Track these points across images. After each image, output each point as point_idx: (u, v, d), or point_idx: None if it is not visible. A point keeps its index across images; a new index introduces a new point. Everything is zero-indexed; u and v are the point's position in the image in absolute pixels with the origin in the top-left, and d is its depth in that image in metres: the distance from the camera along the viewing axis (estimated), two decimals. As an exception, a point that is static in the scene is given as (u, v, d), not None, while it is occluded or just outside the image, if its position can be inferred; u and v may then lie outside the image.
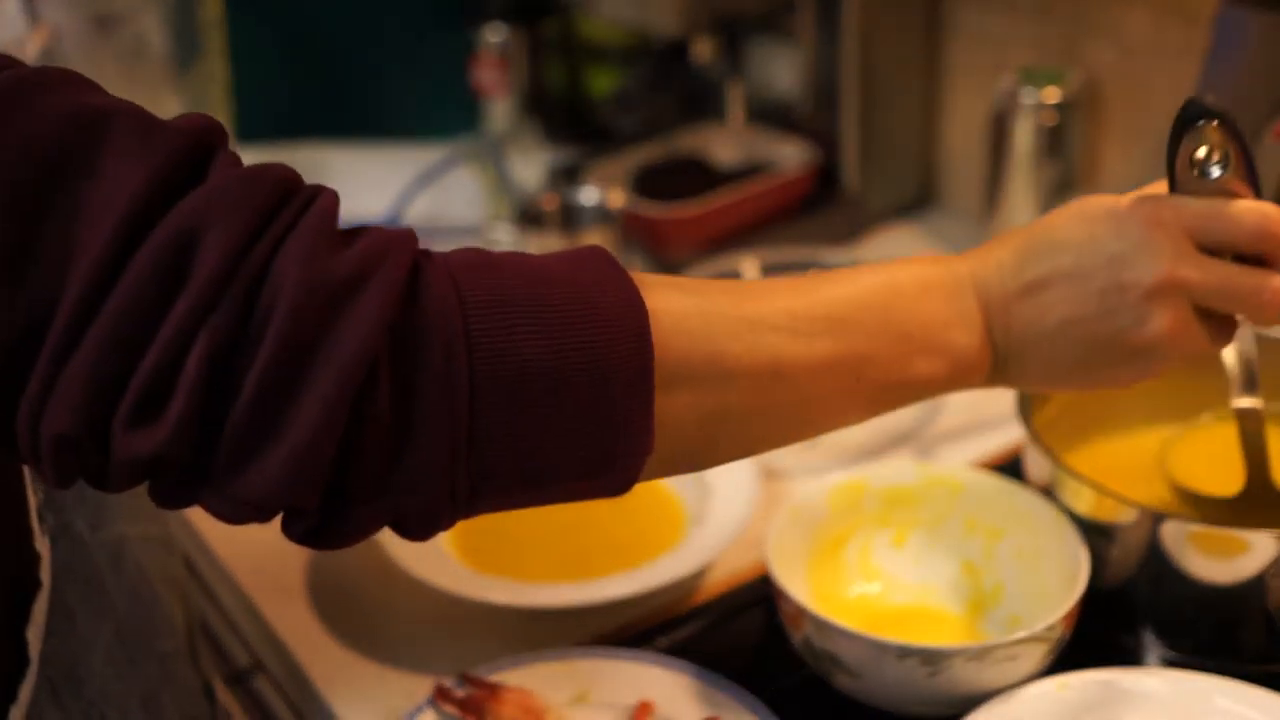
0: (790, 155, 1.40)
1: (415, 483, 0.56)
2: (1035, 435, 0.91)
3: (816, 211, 1.40)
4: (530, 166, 1.58)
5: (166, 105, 1.34)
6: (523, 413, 0.57)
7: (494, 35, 1.62)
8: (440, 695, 0.86)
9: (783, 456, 1.10)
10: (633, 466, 0.61)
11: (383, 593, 0.98)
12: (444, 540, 0.98)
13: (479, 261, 0.58)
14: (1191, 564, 0.83)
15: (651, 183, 1.38)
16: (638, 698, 0.85)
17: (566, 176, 1.43)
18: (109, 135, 0.52)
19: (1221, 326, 0.69)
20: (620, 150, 1.43)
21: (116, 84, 1.42)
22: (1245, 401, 0.82)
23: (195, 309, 0.50)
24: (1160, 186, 0.69)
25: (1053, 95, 1.24)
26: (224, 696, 1.12)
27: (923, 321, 0.67)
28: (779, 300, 0.65)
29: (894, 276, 0.68)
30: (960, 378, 0.69)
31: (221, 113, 1.39)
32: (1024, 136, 1.25)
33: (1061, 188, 1.27)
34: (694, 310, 0.62)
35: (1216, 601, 0.85)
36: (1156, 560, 0.84)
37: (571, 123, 1.65)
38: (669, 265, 1.34)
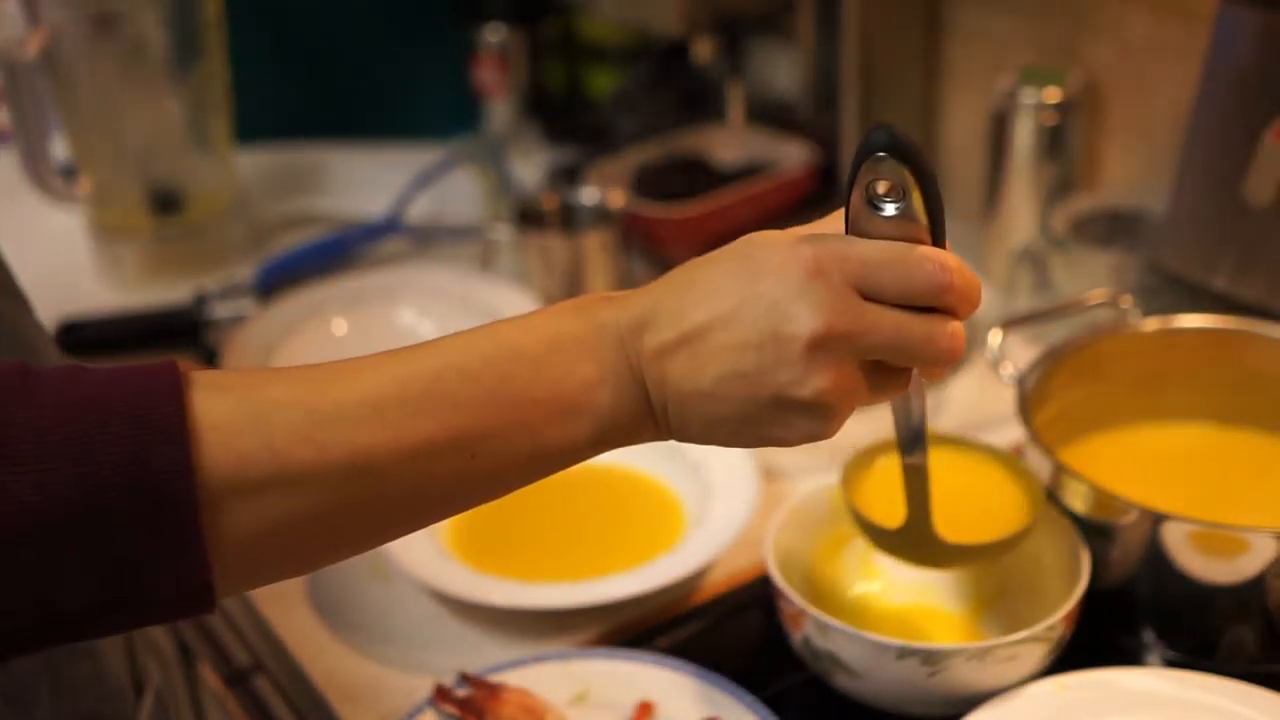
0: (790, 155, 1.40)
1: None
2: (1035, 435, 0.91)
3: (816, 211, 1.36)
4: (530, 166, 1.58)
5: (165, 106, 1.34)
6: (40, 557, 0.53)
7: (494, 35, 1.62)
8: (440, 695, 0.86)
9: (782, 456, 1.10)
10: (196, 593, 0.56)
11: (383, 593, 0.98)
12: (444, 541, 0.98)
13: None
14: (1191, 564, 0.83)
15: (651, 183, 1.38)
16: (638, 698, 0.85)
17: (566, 176, 1.43)
18: None
19: (894, 377, 0.64)
20: (620, 150, 1.43)
21: (115, 85, 1.43)
22: (909, 459, 0.75)
23: None
24: (837, 221, 0.64)
25: (1053, 95, 1.24)
26: (225, 697, 1.12)
27: (552, 384, 0.62)
28: (364, 384, 0.59)
29: (515, 338, 0.62)
30: (614, 437, 0.64)
31: (221, 114, 1.39)
32: (1024, 136, 1.25)
33: (1061, 187, 1.27)
34: (247, 417, 0.57)
35: (1216, 601, 0.85)
36: (1156, 560, 0.84)
37: (571, 123, 1.65)
38: (669, 265, 1.33)
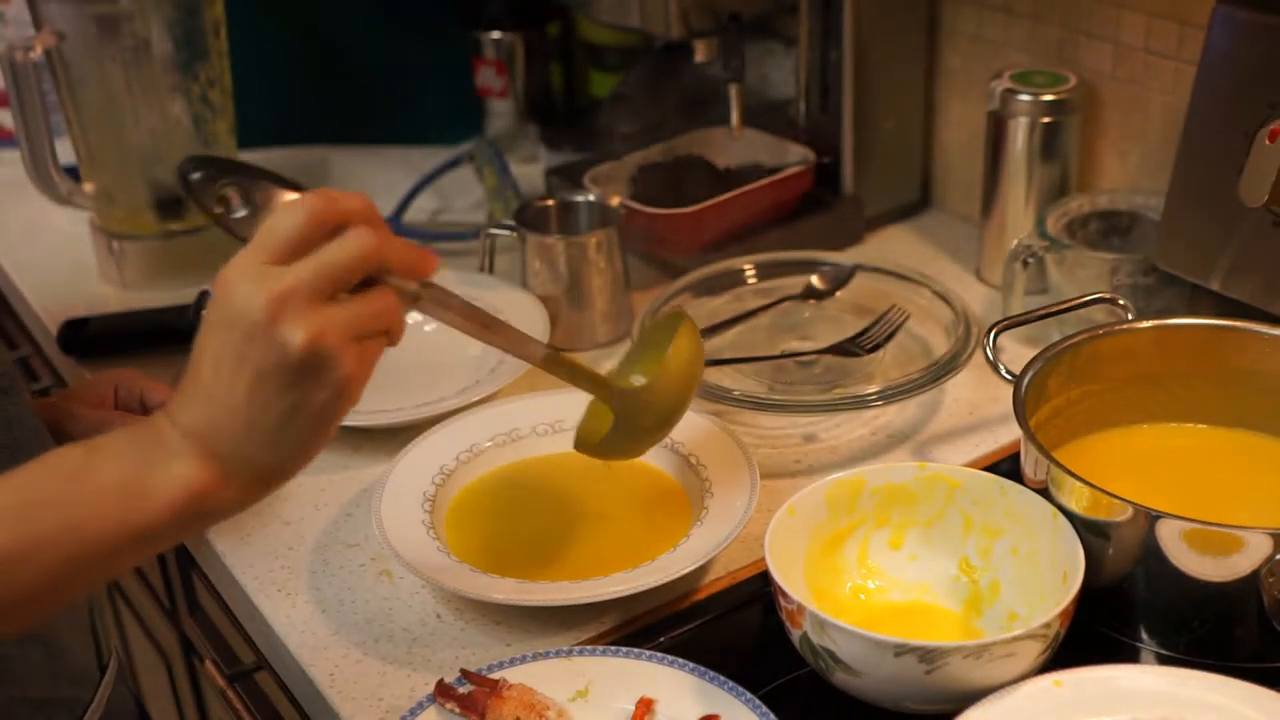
0: (789, 157, 1.40)
1: None
2: (1032, 434, 0.92)
3: (815, 213, 1.40)
4: (530, 167, 1.59)
5: (169, 108, 1.34)
6: None
7: (494, 37, 1.63)
8: (441, 692, 0.86)
9: (782, 456, 1.10)
10: None
11: (384, 590, 0.98)
12: (444, 539, 0.98)
13: None
14: (1186, 562, 0.84)
15: (651, 184, 1.39)
16: (638, 695, 0.85)
17: (567, 177, 1.44)
18: None
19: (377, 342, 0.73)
20: (620, 151, 1.43)
21: (119, 86, 1.43)
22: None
23: None
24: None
25: (1048, 98, 1.24)
26: (227, 694, 1.13)
27: (102, 479, 0.71)
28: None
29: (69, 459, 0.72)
30: (197, 505, 0.72)
31: (224, 115, 1.39)
32: (1020, 138, 1.26)
33: (1057, 189, 1.28)
34: None
35: (1211, 599, 0.85)
36: (1152, 558, 0.85)
37: (572, 124, 1.65)
38: (669, 265, 1.34)
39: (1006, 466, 1.04)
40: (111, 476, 0.71)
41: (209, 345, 0.71)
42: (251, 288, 0.69)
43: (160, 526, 0.71)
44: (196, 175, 0.70)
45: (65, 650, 0.89)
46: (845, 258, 1.29)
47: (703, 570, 0.97)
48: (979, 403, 1.16)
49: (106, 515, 0.70)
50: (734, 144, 1.42)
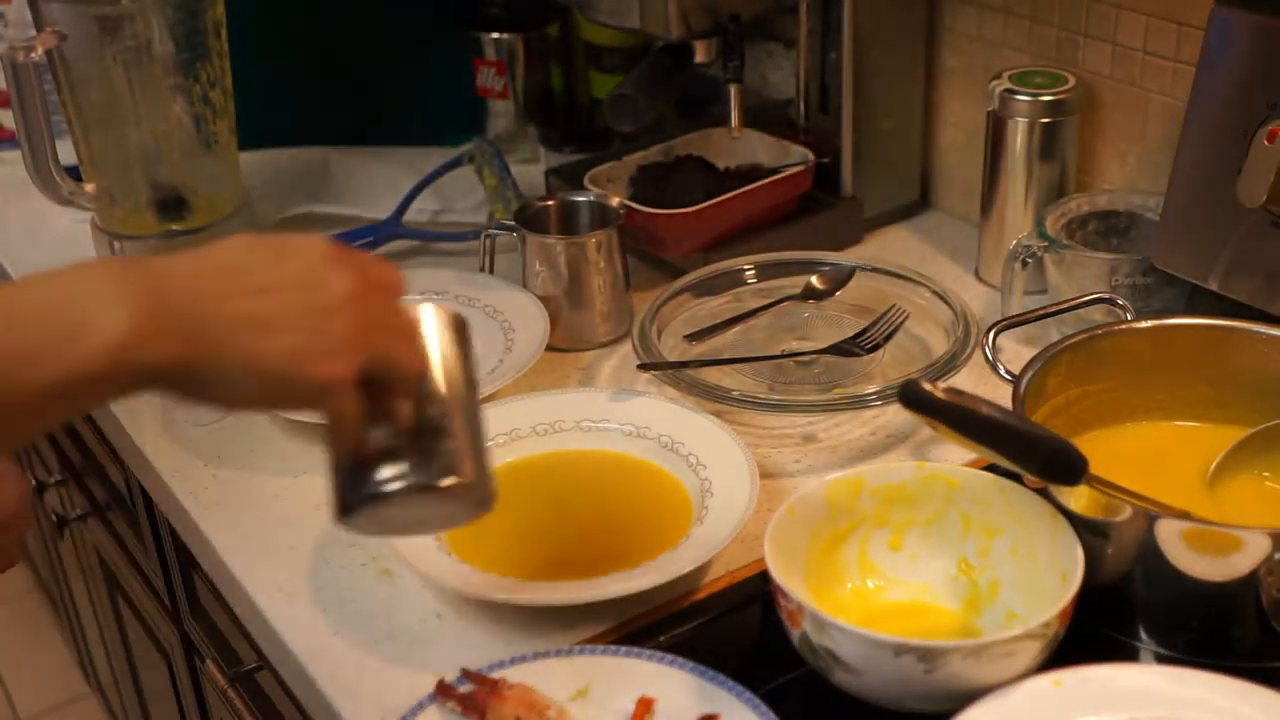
0: (789, 157, 1.40)
1: None
2: (1031, 434, 0.92)
3: (814, 213, 1.40)
4: (531, 167, 1.59)
5: (170, 109, 1.34)
6: None
7: (494, 38, 1.63)
8: (442, 692, 0.87)
9: (782, 455, 1.11)
10: None
11: (385, 590, 0.99)
12: (445, 538, 0.99)
13: None
14: (1186, 561, 0.84)
15: (651, 184, 1.39)
16: (638, 694, 0.86)
17: (567, 177, 1.44)
18: None
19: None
20: (620, 151, 1.43)
21: (121, 87, 1.43)
22: None
23: None
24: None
25: (1047, 98, 1.25)
26: (229, 694, 1.13)
27: (48, 308, 0.66)
28: None
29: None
30: (131, 357, 0.64)
31: (225, 116, 1.39)
32: (1019, 138, 1.26)
33: (1056, 189, 1.28)
34: None
35: (1210, 598, 0.85)
36: (1151, 557, 0.85)
37: (572, 124, 1.66)
38: (669, 265, 1.35)
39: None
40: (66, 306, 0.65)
41: (245, 244, 0.70)
42: (328, 244, 0.71)
43: (91, 377, 0.64)
44: None
45: None
46: (845, 258, 1.29)
47: (703, 570, 0.97)
48: (978, 402, 1.16)
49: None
50: (734, 144, 1.42)
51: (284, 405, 0.75)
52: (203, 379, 0.67)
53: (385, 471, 0.73)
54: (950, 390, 0.86)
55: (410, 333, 0.75)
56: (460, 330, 0.79)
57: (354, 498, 0.74)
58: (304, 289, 0.69)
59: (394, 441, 0.74)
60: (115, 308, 0.64)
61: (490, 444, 0.92)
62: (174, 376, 0.66)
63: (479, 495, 0.76)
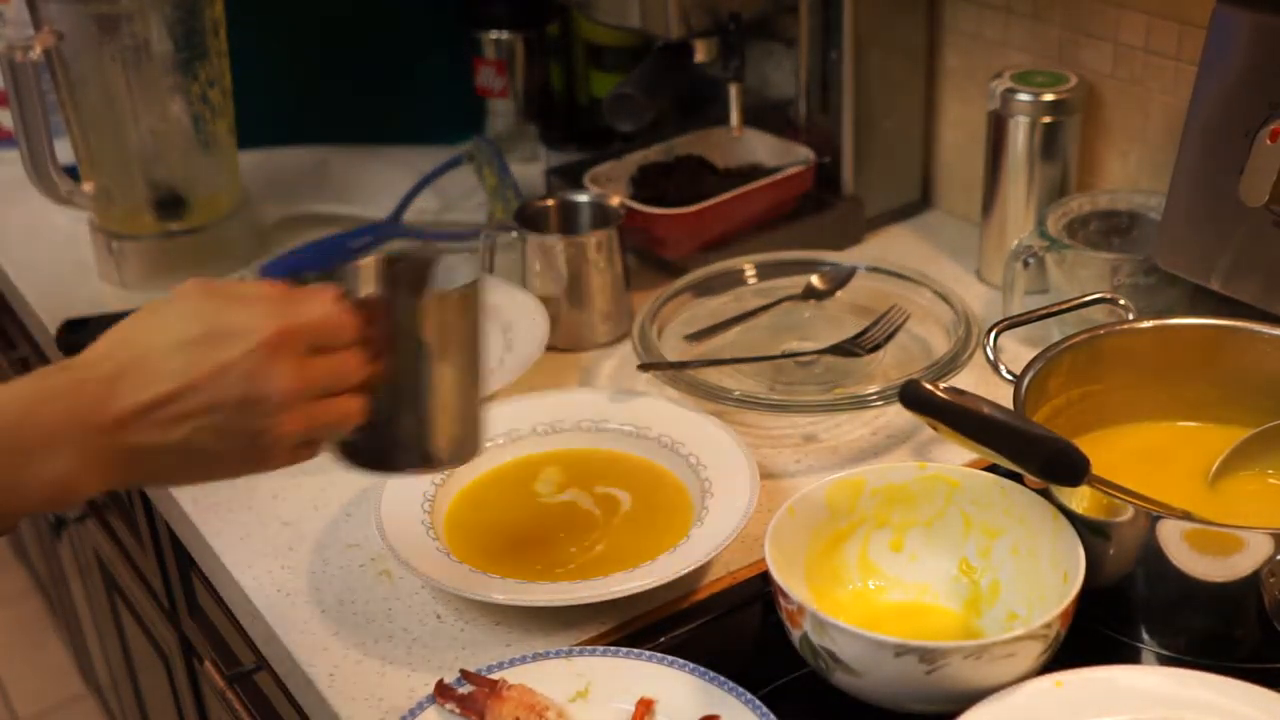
0: (789, 157, 1.40)
1: None
2: (1032, 434, 0.91)
3: (815, 213, 1.40)
4: (531, 167, 1.59)
5: (169, 108, 1.34)
6: None
7: (494, 37, 1.63)
8: (441, 693, 0.86)
9: (782, 455, 1.10)
10: None
11: (383, 591, 0.98)
12: (444, 539, 0.98)
13: None
14: (1187, 562, 0.84)
15: (651, 183, 1.39)
16: (638, 695, 0.85)
17: (567, 177, 1.44)
18: None
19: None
20: (620, 151, 1.43)
21: (119, 86, 1.43)
22: None
23: None
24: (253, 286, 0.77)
25: (1049, 98, 1.24)
26: (228, 695, 1.13)
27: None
28: None
29: None
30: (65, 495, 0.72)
31: (224, 115, 1.39)
32: (1021, 138, 1.26)
33: (1058, 188, 1.28)
34: None
35: (1212, 599, 0.85)
36: (1153, 558, 0.85)
37: (572, 124, 1.65)
38: (669, 265, 1.34)
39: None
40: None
41: (186, 333, 0.73)
42: (267, 308, 0.73)
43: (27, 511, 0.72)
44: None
45: None
46: (845, 258, 1.29)
47: (703, 570, 0.97)
48: (979, 403, 1.16)
49: None
50: (734, 144, 1.42)
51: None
52: (154, 486, 0.74)
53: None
54: (951, 390, 0.86)
55: (355, 383, 0.78)
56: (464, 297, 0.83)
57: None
58: (245, 382, 0.72)
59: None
60: (59, 453, 0.70)
61: (490, 444, 0.92)
62: (124, 489, 0.73)
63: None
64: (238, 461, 0.75)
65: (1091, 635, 0.88)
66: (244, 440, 0.73)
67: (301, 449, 0.77)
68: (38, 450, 0.70)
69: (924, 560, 0.94)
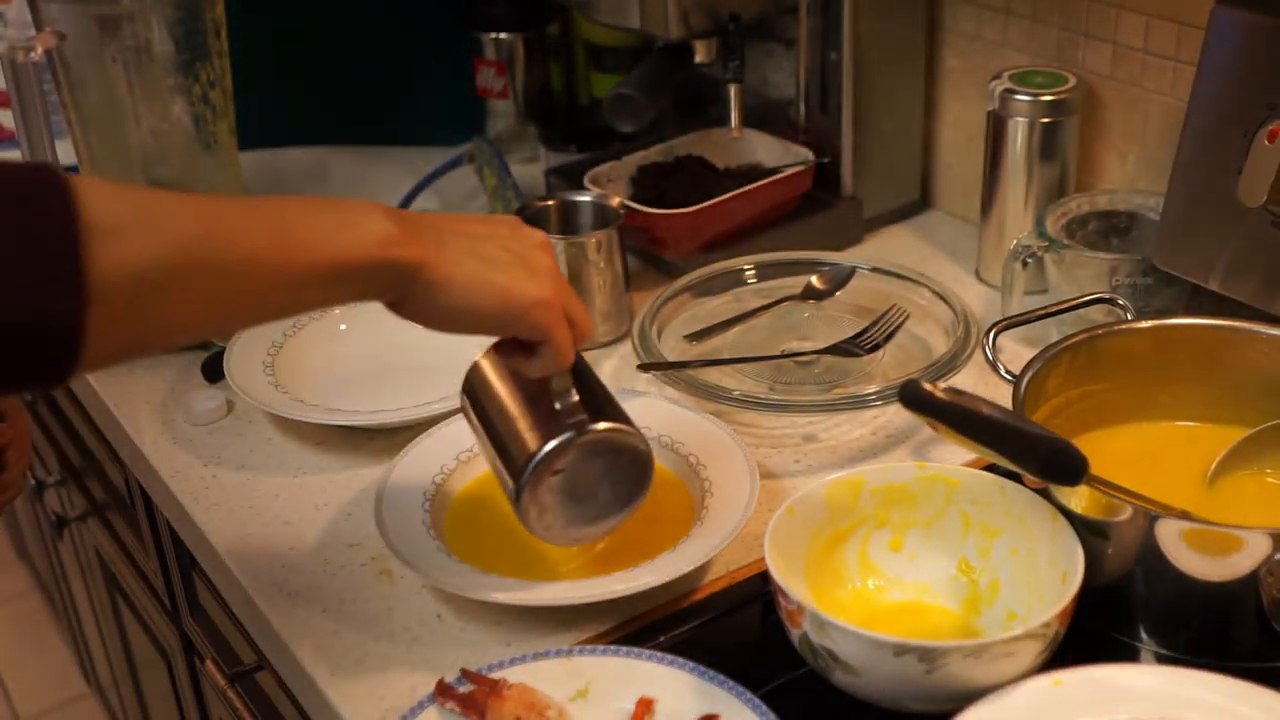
0: (789, 157, 1.40)
1: None
2: (1031, 434, 0.92)
3: (814, 214, 1.40)
4: (531, 168, 1.59)
5: (170, 109, 1.34)
6: None
7: (494, 37, 1.63)
8: (442, 692, 0.87)
9: (782, 455, 1.11)
10: (69, 327, 0.64)
11: (385, 590, 0.98)
12: (444, 539, 0.99)
13: None
14: (1186, 561, 0.84)
15: (651, 184, 1.39)
16: (638, 694, 0.86)
17: (567, 177, 1.44)
18: None
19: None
20: (620, 151, 1.43)
21: (120, 87, 1.43)
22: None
23: None
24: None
25: (1048, 98, 1.24)
26: (229, 694, 1.13)
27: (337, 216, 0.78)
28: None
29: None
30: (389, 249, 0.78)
31: (225, 116, 1.39)
32: (1020, 138, 1.26)
33: (1056, 189, 1.28)
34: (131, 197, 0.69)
35: (1210, 599, 0.85)
36: (1151, 557, 0.85)
37: (572, 124, 1.66)
38: (669, 265, 1.35)
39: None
40: (328, 217, 0.77)
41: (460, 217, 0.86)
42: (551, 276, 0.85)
43: (357, 264, 0.77)
44: None
45: None
46: (845, 258, 1.29)
47: (703, 570, 0.98)
48: (978, 403, 1.16)
49: (319, 242, 0.75)
50: (734, 144, 1.42)
51: (497, 322, 0.84)
52: (436, 282, 0.80)
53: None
54: (950, 390, 0.86)
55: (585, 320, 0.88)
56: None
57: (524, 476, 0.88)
58: (515, 242, 0.85)
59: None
60: (380, 217, 0.78)
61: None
62: (415, 279, 0.79)
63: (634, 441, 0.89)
64: (510, 274, 0.82)
65: (1090, 634, 0.88)
66: (517, 264, 0.83)
67: (552, 295, 0.84)
68: (360, 211, 0.78)
69: (923, 560, 0.94)
